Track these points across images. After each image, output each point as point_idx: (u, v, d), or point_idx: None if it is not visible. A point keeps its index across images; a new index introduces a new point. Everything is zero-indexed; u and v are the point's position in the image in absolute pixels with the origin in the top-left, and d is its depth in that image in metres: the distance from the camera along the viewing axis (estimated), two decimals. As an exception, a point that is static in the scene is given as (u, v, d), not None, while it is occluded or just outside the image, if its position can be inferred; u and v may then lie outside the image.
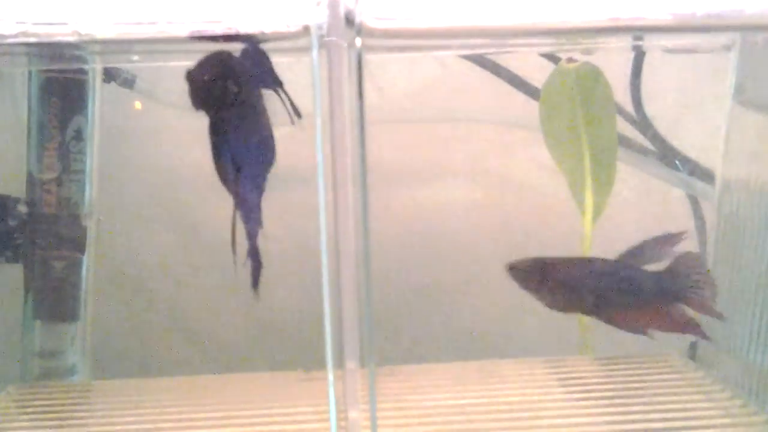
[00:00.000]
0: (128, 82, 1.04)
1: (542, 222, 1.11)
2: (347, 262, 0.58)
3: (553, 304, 0.81)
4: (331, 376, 0.61)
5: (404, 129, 1.12)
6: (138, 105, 1.09)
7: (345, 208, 0.57)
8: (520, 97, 1.05)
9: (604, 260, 0.81)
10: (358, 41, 0.57)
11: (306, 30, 0.57)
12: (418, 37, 0.63)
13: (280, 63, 0.64)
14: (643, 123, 1.04)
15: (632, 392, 0.78)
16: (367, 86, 1.08)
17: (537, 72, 1.00)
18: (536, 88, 1.02)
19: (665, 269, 0.78)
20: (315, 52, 0.56)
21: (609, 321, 0.79)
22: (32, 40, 0.61)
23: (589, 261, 0.83)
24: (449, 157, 1.13)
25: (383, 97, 1.11)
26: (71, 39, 0.62)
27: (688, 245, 1.03)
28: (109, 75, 1.02)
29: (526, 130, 1.07)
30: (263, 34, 0.58)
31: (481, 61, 1.03)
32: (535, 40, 0.76)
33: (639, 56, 1.01)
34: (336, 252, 0.58)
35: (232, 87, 0.63)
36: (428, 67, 1.12)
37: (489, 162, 1.13)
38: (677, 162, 1.05)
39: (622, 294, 0.78)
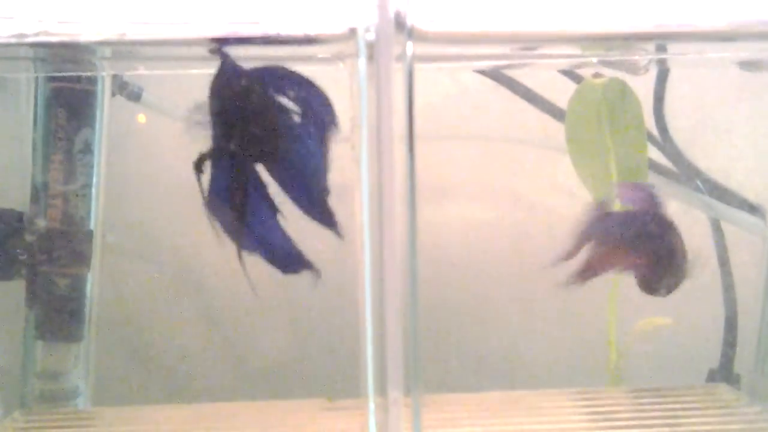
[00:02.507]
0: (135, 96, 1.01)
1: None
2: (392, 278, 0.54)
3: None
4: (372, 405, 0.57)
5: (418, 146, 1.08)
6: (142, 118, 1.05)
7: (390, 224, 0.54)
8: (536, 115, 1.01)
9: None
10: (410, 47, 0.53)
11: (352, 33, 0.54)
12: (472, 43, 0.60)
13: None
14: (666, 143, 1.02)
15: (681, 427, 0.74)
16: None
17: (552, 90, 0.97)
18: (553, 104, 0.99)
19: None
20: (362, 56, 0.53)
21: None
22: (54, 39, 0.57)
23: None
24: (464, 175, 1.10)
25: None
26: (95, 39, 0.58)
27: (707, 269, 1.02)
28: (116, 88, 0.99)
29: (542, 149, 1.04)
30: (306, 36, 0.55)
31: (497, 77, 1.00)
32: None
33: (663, 72, 0.98)
34: (379, 268, 0.54)
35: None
36: (443, 83, 1.09)
37: (504, 181, 1.10)
38: (699, 183, 1.03)
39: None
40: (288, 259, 0.63)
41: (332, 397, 0.80)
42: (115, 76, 0.99)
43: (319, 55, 0.59)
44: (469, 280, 1.10)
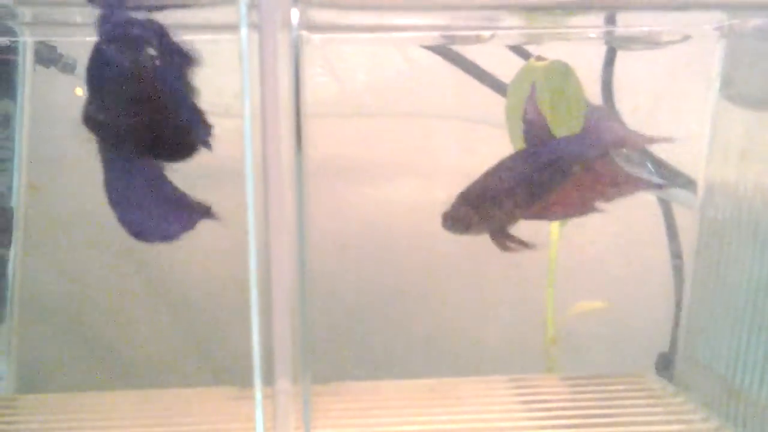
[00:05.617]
0: (69, 67, 0.97)
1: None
2: (279, 264, 0.51)
3: (496, 228, 0.69)
4: (259, 395, 0.53)
5: (365, 123, 1.06)
6: (79, 91, 1.01)
7: (278, 208, 0.50)
8: (486, 93, 0.98)
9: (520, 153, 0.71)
10: (295, 13, 0.49)
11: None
12: (362, 9, 0.56)
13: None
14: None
15: (602, 418, 0.71)
16: (328, 78, 1.04)
17: (505, 67, 0.94)
18: (503, 82, 0.96)
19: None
20: (243, 23, 0.49)
21: (548, 212, 0.70)
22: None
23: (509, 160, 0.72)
24: (411, 153, 1.07)
25: (344, 89, 1.05)
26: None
27: (660, 252, 1.00)
28: (50, 59, 0.95)
29: (491, 127, 1.02)
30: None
31: (446, 54, 0.97)
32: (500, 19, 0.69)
33: (611, 49, 0.95)
34: (267, 256, 0.51)
35: None
36: (392, 60, 1.06)
37: (453, 159, 1.07)
38: (648, 164, 1.00)
39: (554, 175, 0.68)
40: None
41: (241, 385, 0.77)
42: (50, 47, 0.95)
43: (206, 23, 0.55)
44: (420, 261, 1.08)
